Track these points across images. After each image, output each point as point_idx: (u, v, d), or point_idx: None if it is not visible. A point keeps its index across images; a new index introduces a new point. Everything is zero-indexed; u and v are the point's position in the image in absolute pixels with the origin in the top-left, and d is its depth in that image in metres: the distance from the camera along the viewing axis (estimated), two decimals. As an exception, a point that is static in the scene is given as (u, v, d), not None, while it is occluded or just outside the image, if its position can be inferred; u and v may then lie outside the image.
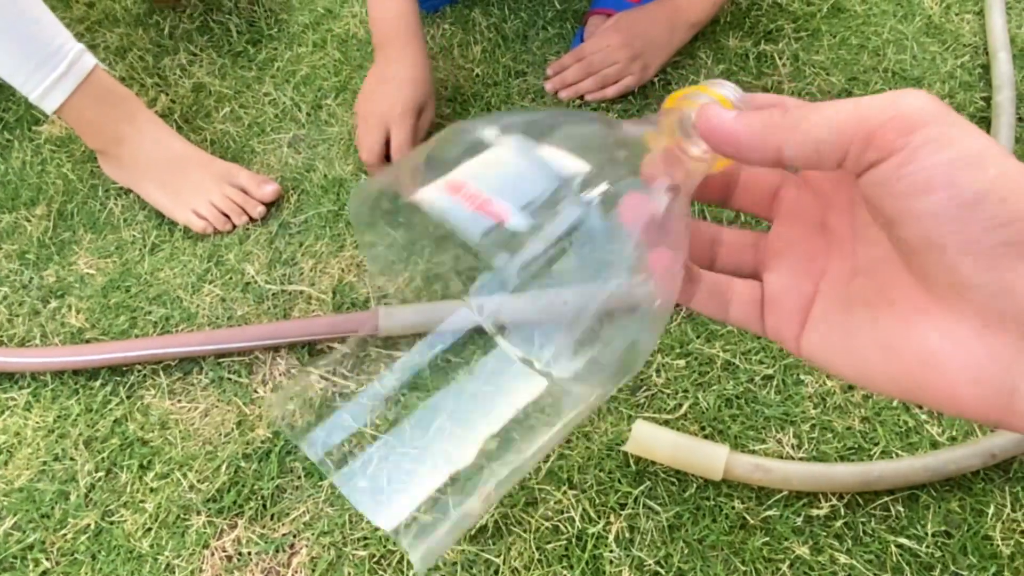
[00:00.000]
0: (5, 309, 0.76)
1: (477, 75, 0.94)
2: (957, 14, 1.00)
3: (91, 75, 0.75)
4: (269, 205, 0.82)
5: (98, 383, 0.71)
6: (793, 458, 0.65)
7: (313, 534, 0.63)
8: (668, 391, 0.69)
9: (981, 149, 0.20)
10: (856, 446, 0.66)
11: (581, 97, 0.91)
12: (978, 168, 0.20)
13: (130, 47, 0.98)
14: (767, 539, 0.61)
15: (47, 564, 0.62)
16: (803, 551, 0.60)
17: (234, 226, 0.80)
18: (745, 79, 0.93)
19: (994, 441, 0.62)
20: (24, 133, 0.90)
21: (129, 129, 0.79)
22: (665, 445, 0.63)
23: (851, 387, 0.69)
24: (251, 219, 0.81)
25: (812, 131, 0.22)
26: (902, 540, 0.61)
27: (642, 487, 0.64)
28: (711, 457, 0.63)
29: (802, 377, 0.69)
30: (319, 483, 0.66)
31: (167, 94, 0.93)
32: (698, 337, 0.72)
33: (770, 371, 0.70)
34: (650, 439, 0.64)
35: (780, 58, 0.95)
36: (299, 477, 0.66)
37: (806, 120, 0.22)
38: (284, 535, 0.63)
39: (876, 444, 0.65)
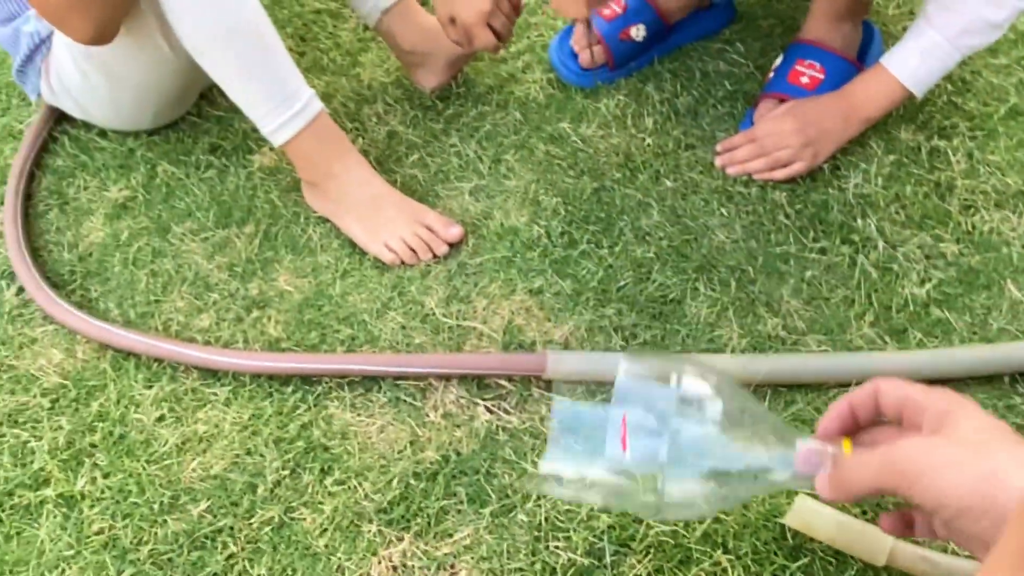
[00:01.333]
0: (215, 314, 0.85)
1: (648, 144, 0.99)
2: None
3: (318, 117, 0.85)
4: (452, 246, 0.88)
5: (289, 389, 0.78)
6: (959, 554, 0.64)
7: (473, 558, 0.66)
8: (829, 469, 0.69)
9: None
10: (1031, 553, 0.63)
11: (749, 176, 0.94)
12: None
13: (334, 94, 1.09)
14: (932, 634, 0.59)
15: (233, 548, 0.68)
16: (971, 653, 0.58)
17: (419, 261, 0.87)
18: (917, 171, 0.94)
19: None
20: (239, 160, 1.01)
21: (340, 167, 0.88)
22: (828, 524, 0.63)
23: (1026, 491, 0.67)
24: (435, 256, 0.87)
25: (854, 487, 0.45)
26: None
27: (799, 563, 0.64)
28: (876, 540, 0.62)
29: (973, 474, 0.68)
30: (480, 510, 0.69)
31: (364, 138, 1.03)
32: (862, 420, 0.72)
33: (938, 463, 0.69)
34: (813, 515, 0.64)
35: (954, 155, 0.95)
36: (462, 502, 0.70)
37: (849, 480, 0.45)
38: (446, 555, 0.67)
39: (1053, 554, 0.63)
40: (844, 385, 0.74)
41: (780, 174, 0.93)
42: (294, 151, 0.87)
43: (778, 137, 0.92)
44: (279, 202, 0.96)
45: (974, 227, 0.89)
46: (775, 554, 0.65)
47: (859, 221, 0.89)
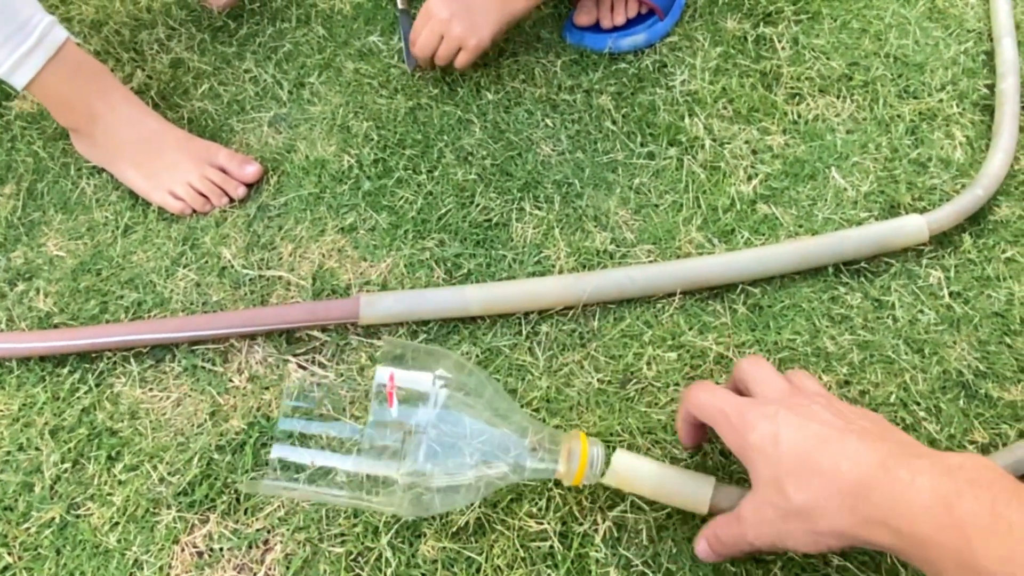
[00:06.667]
0: (-30, 292, 0.73)
1: (466, 54, 0.91)
2: (962, -1, 0.98)
3: (62, 49, 0.72)
4: (249, 186, 0.79)
5: (66, 370, 0.68)
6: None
7: (288, 530, 0.61)
8: (659, 384, 0.67)
9: None
10: (851, 444, 0.63)
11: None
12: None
13: (106, 20, 0.94)
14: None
15: (9, 559, 0.59)
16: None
17: (212, 207, 0.77)
18: (743, 62, 0.90)
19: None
20: (-7, 108, 0.86)
21: (103, 106, 0.76)
22: (649, 476, 0.56)
23: (847, 383, 0.67)
24: (231, 200, 0.78)
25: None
26: None
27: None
28: (699, 488, 0.57)
29: (797, 372, 0.67)
30: (295, 476, 0.63)
31: (143, 69, 0.90)
32: (690, 329, 0.70)
33: (764, 365, 0.67)
34: (631, 469, 0.56)
35: (779, 41, 0.92)
36: (275, 470, 0.63)
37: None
38: (258, 530, 0.61)
39: (872, 442, 0.63)
40: (671, 295, 0.71)
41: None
42: (42, 93, 0.73)
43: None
44: (44, 153, 0.82)
45: (800, 116, 0.86)
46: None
47: (687, 120, 0.85)
